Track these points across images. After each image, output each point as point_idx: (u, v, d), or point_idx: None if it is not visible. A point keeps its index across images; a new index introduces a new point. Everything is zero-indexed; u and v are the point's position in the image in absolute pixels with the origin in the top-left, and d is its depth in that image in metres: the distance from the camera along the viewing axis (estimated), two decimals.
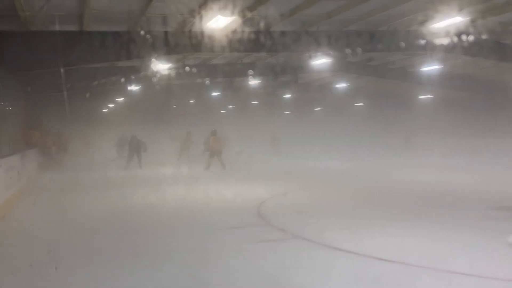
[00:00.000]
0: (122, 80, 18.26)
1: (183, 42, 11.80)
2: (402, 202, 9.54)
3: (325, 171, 17.05)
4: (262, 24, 12.14)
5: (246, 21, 11.30)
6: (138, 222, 7.84)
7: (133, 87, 21.80)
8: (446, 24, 11.14)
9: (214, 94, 28.01)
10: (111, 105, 31.80)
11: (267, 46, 12.31)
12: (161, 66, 16.55)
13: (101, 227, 7.38)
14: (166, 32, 11.74)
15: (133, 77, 18.57)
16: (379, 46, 13.61)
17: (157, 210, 9.06)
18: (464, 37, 12.07)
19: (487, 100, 23.70)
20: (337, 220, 7.70)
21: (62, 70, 12.03)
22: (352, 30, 13.25)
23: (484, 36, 13.47)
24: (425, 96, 27.36)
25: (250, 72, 18.93)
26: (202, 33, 11.32)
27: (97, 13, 10.79)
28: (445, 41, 12.26)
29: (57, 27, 11.04)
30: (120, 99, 27.97)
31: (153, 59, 14.76)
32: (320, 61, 16.75)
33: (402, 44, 13.17)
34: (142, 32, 11.18)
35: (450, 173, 15.19)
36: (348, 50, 13.48)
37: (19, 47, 10.50)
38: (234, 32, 11.52)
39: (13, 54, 10.33)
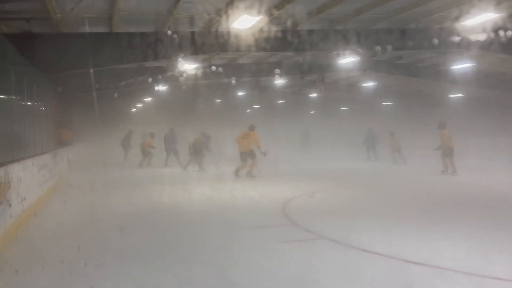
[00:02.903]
0: (150, 80, 18.50)
1: (210, 42, 11.83)
2: (435, 204, 9.31)
3: (353, 171, 16.85)
4: (289, 23, 12.07)
5: (272, 19, 11.24)
6: (171, 220, 7.93)
7: (160, 87, 22.06)
8: (480, 21, 10.78)
9: (240, 93, 28.07)
10: (139, 105, 32.32)
11: (294, 45, 12.21)
12: (187, 66, 16.70)
13: (129, 225, 7.49)
14: (193, 32, 11.81)
15: (160, 77, 18.78)
16: (408, 44, 13.30)
17: (181, 209, 9.14)
18: (499, 34, 11.66)
19: None
20: (366, 221, 7.57)
21: (91, 71, 12.25)
22: (381, 28, 13.03)
23: None
24: (457, 95, 26.65)
25: (277, 71, 18.85)
26: (228, 32, 11.34)
27: (125, 15, 10.95)
28: (478, 38, 11.88)
29: (87, 29, 11.27)
30: (147, 99, 28.39)
31: (180, 59, 14.90)
32: (348, 60, 16.55)
33: (433, 41, 12.83)
34: (169, 33, 11.27)
35: (489, 174, 14.70)
36: (376, 48, 13.25)
37: (51, 49, 10.73)
38: (260, 31, 11.50)
39: (45, 55, 10.56)
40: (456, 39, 12.18)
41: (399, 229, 6.85)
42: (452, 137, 15.36)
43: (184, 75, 18.31)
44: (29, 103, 10.12)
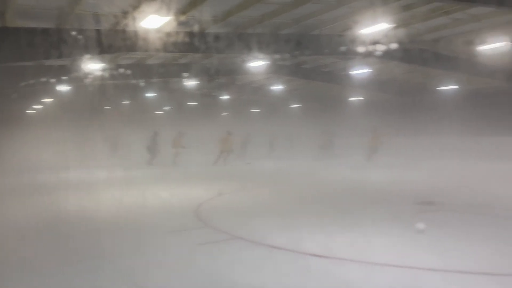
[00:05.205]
0: (52, 80, 17.40)
1: (116, 41, 11.49)
2: (336, 201, 9.93)
3: (261, 171, 17.30)
4: (197, 26, 12.11)
5: (181, 22, 11.22)
6: (80, 226, 7.55)
7: (64, 88, 20.83)
8: (374, 30, 11.76)
9: (150, 95, 27.45)
10: (40, 106, 30.15)
11: (202, 48, 12.31)
12: (93, 66, 15.97)
13: (32, 233, 7.03)
14: (98, 31, 11.37)
15: (64, 77, 17.74)
16: (311, 49, 14.08)
17: (91, 214, 8.77)
18: (389, 43, 12.82)
19: (412, 102, 25.31)
20: (274, 219, 7.84)
21: None
22: (286, 33, 13.59)
23: (407, 43, 14.39)
24: (355, 98, 28.59)
25: (186, 73, 18.78)
26: (136, 32, 11.10)
27: (22, 8, 10.21)
28: (372, 46, 12.93)
29: None
30: (49, 100, 26.60)
31: (85, 59, 14.21)
32: (256, 63, 17.01)
33: (333, 48, 13.73)
34: (72, 30, 10.74)
35: (380, 171, 16.03)
36: (281, 53, 13.78)
37: None
38: (169, 32, 11.40)
39: None
40: (351, 46, 13.16)
41: (308, 226, 7.18)
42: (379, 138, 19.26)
43: (90, 75, 17.50)
44: None
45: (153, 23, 9.97)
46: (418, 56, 15.36)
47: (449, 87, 23.10)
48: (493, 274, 4.76)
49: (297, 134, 25.94)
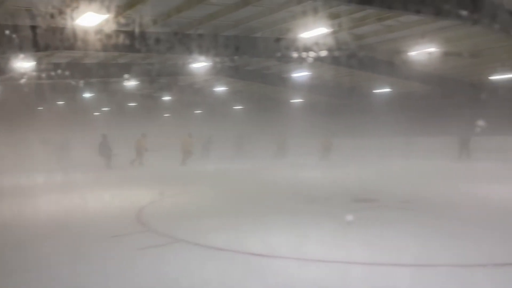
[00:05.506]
0: None
1: (52, 39, 11.00)
2: (278, 201, 10.07)
3: (203, 173, 17.21)
4: (138, 24, 11.87)
5: (121, 20, 10.96)
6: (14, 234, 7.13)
7: None
8: (313, 35, 12.15)
9: (87, 95, 26.50)
10: None
11: (142, 48, 12.09)
12: (27, 64, 15.15)
13: None
14: (33, 28, 10.80)
15: None
16: (251, 52, 14.27)
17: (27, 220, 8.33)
18: (327, 48, 13.30)
19: (349, 104, 26.33)
20: (216, 220, 7.84)
21: None
22: (227, 35, 13.65)
23: (344, 47, 14.98)
24: (296, 100, 29.30)
25: (126, 73, 18.32)
26: (72, 29, 10.69)
27: None
28: (311, 50, 13.32)
29: None
30: None
31: (18, 57, 13.45)
32: (199, 64, 16.96)
33: (272, 51, 14.01)
34: (5, 27, 10.17)
35: (323, 171, 16.51)
36: (222, 55, 13.82)
37: None
38: (107, 31, 11.08)
39: None
40: (292, 49, 13.50)
41: (249, 226, 7.27)
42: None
43: (22, 73, 16.60)
44: None
45: (90, 21, 9.68)
46: (355, 60, 16.02)
47: (383, 90, 24.28)
48: (417, 266, 5.08)
49: (244, 136, 26.07)
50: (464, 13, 9.90)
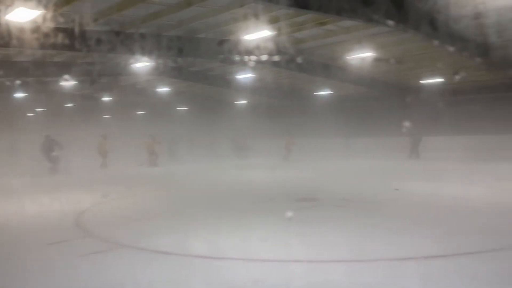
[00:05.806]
0: None
1: None
2: (225, 202, 10.10)
3: (149, 176, 16.89)
4: (76, 23, 11.43)
5: (58, 17, 10.49)
6: None
7: None
8: (256, 37, 12.30)
9: (19, 95, 25.00)
10: None
11: (82, 46, 11.66)
12: None
13: None
14: None
15: None
16: (194, 52, 14.19)
17: None
18: (269, 50, 13.51)
19: (291, 105, 26.91)
20: (161, 224, 7.73)
21: None
22: (169, 35, 13.48)
23: (286, 50, 15.28)
24: (241, 102, 29.47)
25: (64, 72, 17.54)
26: (5, 25, 10.09)
27: None
28: (254, 52, 13.47)
29: None
30: None
31: None
32: (141, 64, 16.60)
33: (215, 52, 14.00)
34: None
35: (269, 171, 16.72)
36: (164, 55, 13.61)
37: None
38: (41, 28, 10.54)
39: None
40: (235, 51, 13.58)
41: (194, 228, 7.21)
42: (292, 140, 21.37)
43: None
44: None
45: (22, 16, 9.18)
46: (295, 63, 16.38)
47: (324, 92, 25.02)
48: (356, 261, 5.31)
49: (177, 140, 25.76)
50: (390, 22, 10.47)
